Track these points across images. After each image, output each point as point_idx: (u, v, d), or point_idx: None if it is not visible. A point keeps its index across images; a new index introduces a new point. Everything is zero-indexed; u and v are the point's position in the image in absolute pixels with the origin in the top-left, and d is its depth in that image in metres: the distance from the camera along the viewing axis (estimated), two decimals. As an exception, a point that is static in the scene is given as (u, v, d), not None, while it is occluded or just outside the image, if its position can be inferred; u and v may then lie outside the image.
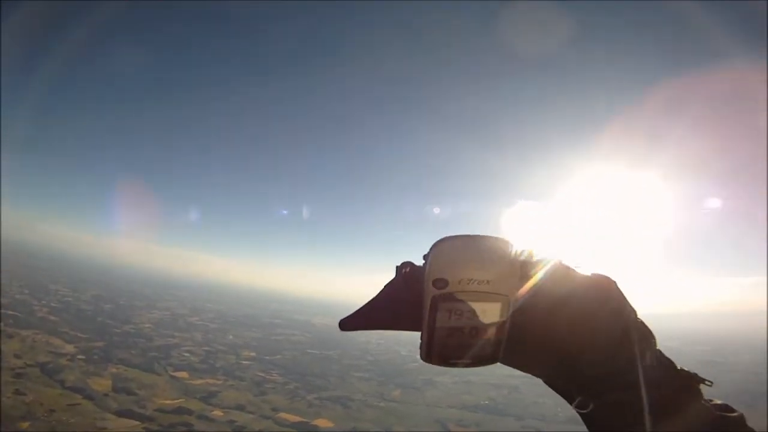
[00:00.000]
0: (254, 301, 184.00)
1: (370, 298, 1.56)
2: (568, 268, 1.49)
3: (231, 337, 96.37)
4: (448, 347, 1.40)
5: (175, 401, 57.19)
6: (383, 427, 58.65)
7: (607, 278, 1.50)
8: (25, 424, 42.34)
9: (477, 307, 1.36)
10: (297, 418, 58.46)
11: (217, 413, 56.46)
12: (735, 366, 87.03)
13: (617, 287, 1.50)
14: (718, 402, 1.47)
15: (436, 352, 1.41)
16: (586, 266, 1.52)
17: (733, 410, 1.45)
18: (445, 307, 1.35)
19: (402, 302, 1.48)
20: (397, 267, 1.53)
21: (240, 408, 59.58)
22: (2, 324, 65.60)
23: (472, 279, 1.32)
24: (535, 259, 1.45)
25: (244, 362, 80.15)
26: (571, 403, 1.48)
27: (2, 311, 71.45)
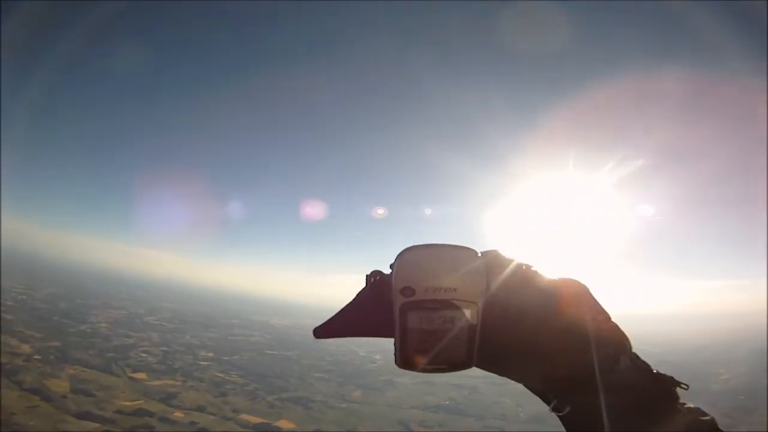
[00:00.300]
0: (211, 301, 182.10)
1: (342, 306, 1.62)
2: (537, 273, 1.56)
3: (188, 337, 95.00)
4: (421, 353, 1.46)
5: (135, 403, 56.35)
6: (346, 428, 59.12)
7: (579, 282, 1.57)
8: (-15, 428, 41.47)
9: (446, 314, 1.42)
10: (259, 420, 58.43)
11: (178, 415, 56.03)
12: (688, 366, 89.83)
13: (589, 291, 1.57)
14: (691, 406, 1.52)
15: (410, 358, 1.47)
16: (556, 271, 1.59)
17: (705, 414, 1.51)
18: (414, 314, 1.42)
19: (373, 310, 1.55)
20: (366, 276, 1.58)
21: (201, 409, 59.16)
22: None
23: (438, 287, 1.40)
24: (502, 265, 1.52)
25: (202, 363, 79.20)
26: (548, 405, 1.56)
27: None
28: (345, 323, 1.59)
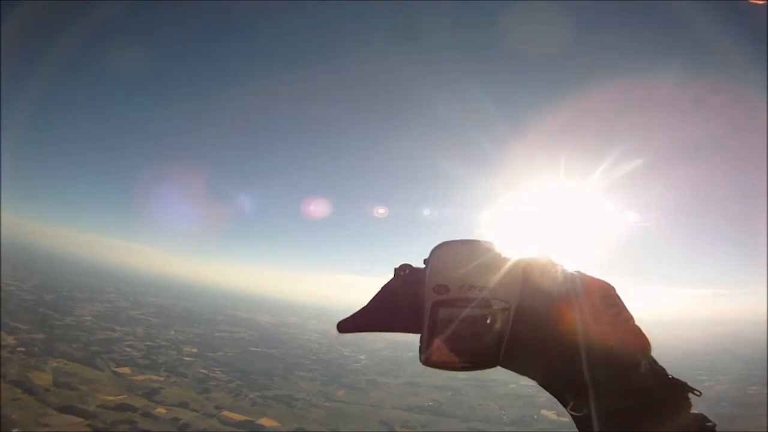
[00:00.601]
0: (196, 297, 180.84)
1: (369, 299, 1.62)
2: (568, 273, 1.57)
3: (173, 332, 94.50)
4: (448, 351, 1.48)
5: (118, 398, 56.14)
6: (329, 428, 59.11)
7: (608, 283, 1.58)
8: (-34, 420, 41.29)
9: (478, 312, 1.44)
10: (241, 417, 58.33)
11: (161, 410, 55.81)
12: (671, 372, 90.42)
13: (616, 293, 1.58)
14: (696, 412, 1.54)
15: (437, 356, 1.49)
16: (584, 271, 1.60)
17: (709, 420, 1.53)
18: (445, 312, 1.43)
19: (400, 305, 1.56)
20: (395, 269, 1.57)
21: (183, 405, 59.03)
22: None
23: (473, 285, 1.41)
24: (538, 267, 1.54)
25: (186, 358, 79.01)
26: (565, 407, 1.56)
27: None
28: (371, 318, 1.61)
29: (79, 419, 48.43)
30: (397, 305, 1.56)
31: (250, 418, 58.19)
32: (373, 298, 1.59)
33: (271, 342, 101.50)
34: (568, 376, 1.51)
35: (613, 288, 1.56)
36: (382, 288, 1.59)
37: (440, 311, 1.40)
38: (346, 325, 1.59)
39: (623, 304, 1.56)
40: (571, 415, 1.53)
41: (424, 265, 1.46)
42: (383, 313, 1.58)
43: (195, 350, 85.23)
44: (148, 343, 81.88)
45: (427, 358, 1.48)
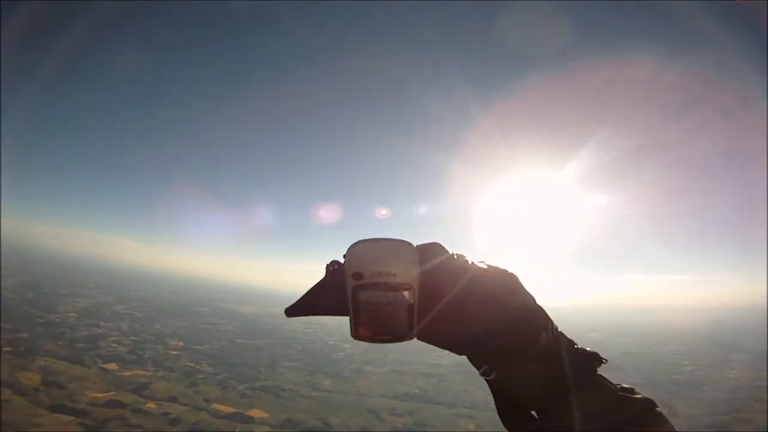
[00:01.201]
0: (178, 289, 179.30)
1: (307, 288, 1.88)
2: (467, 261, 1.81)
3: (158, 326, 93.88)
4: (370, 327, 1.75)
5: (107, 394, 55.81)
6: (317, 417, 59.35)
7: (504, 270, 1.81)
8: (-42, 424, 41.01)
9: (389, 294, 1.71)
10: (231, 409, 58.45)
11: (151, 405, 55.66)
12: (654, 356, 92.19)
13: (516, 277, 1.80)
14: (625, 386, 1.70)
15: (362, 332, 1.75)
16: (486, 260, 1.85)
17: (636, 393, 1.67)
18: (363, 294, 1.71)
19: (333, 292, 1.79)
20: (327, 265, 1.84)
21: (173, 399, 58.94)
22: None
23: (381, 272, 1.69)
24: (435, 254, 1.80)
25: (172, 352, 78.68)
26: (479, 371, 1.78)
27: None
28: (310, 303, 1.84)
29: (70, 418, 48.06)
30: (329, 292, 1.81)
31: (239, 410, 58.31)
32: (311, 288, 1.87)
33: (256, 333, 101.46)
34: (478, 346, 1.77)
35: (514, 274, 1.82)
36: (319, 281, 1.86)
37: (359, 294, 1.71)
38: (292, 310, 1.86)
39: (522, 285, 1.81)
40: (483, 378, 1.79)
41: (344, 258, 1.79)
42: (320, 299, 1.84)
43: (181, 344, 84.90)
44: (133, 338, 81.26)
45: (354, 333, 1.77)
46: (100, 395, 55.34)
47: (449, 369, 73.58)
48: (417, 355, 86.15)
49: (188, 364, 73.87)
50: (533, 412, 1.71)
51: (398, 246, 1.74)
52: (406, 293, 1.70)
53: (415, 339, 1.80)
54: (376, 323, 1.74)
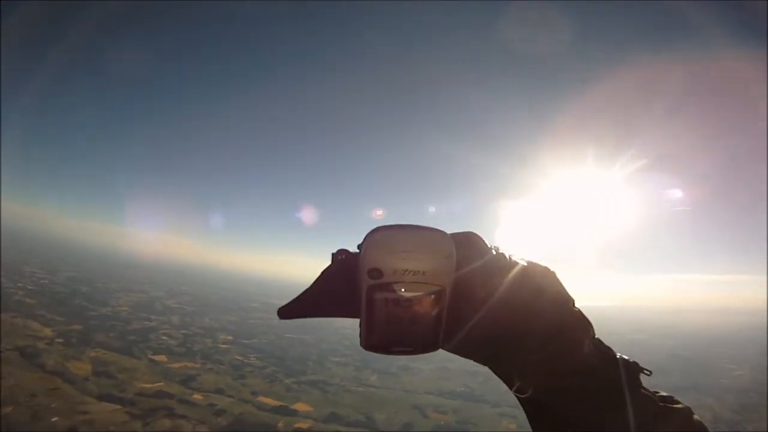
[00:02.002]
0: (229, 285, 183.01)
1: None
2: (505, 257, 1.55)
3: (208, 320, 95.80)
4: (387, 336, 1.47)
5: (155, 385, 56.84)
6: (362, 412, 59.07)
7: (546, 268, 1.57)
8: (8, 409, 41.97)
9: (413, 297, 1.41)
10: (276, 402, 58.64)
11: (197, 397, 56.38)
12: (700, 360, 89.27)
13: (556, 277, 1.57)
14: (664, 394, 1.53)
15: (376, 340, 1.48)
16: (525, 256, 1.58)
17: (678, 402, 1.52)
18: (381, 296, 1.41)
19: (338, 290, 1.53)
20: (333, 254, 1.54)
21: (219, 392, 59.53)
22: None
23: (407, 270, 1.37)
24: (472, 248, 1.51)
25: (221, 346, 79.89)
26: (510, 388, 1.58)
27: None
28: (310, 304, 1.56)
29: (117, 406, 49.00)
30: (335, 290, 1.53)
31: (284, 404, 58.48)
32: (312, 283, 1.55)
33: (304, 328, 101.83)
34: (510, 357, 1.51)
35: (553, 272, 1.55)
36: (321, 274, 1.55)
37: (376, 296, 1.40)
38: (286, 312, 1.56)
39: (563, 286, 1.55)
40: (516, 396, 1.55)
41: (359, 250, 1.42)
42: (322, 298, 1.55)
43: (230, 337, 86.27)
44: (183, 331, 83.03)
45: (366, 342, 1.48)
46: (148, 386, 56.28)
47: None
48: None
49: (237, 357, 74.67)
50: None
51: (430, 237, 1.40)
52: (434, 296, 1.42)
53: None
54: (395, 332, 1.46)
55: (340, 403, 61.43)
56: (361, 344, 1.48)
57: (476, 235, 1.53)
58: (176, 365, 65.44)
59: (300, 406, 58.65)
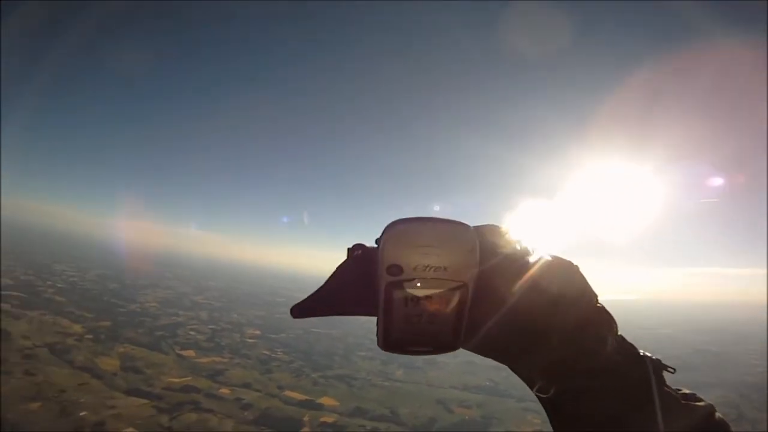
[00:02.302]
0: (256, 279, 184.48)
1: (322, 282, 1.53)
2: (528, 252, 1.48)
3: (235, 315, 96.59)
4: (405, 335, 1.40)
5: (183, 379, 57.51)
6: (387, 407, 58.97)
7: (570, 263, 1.50)
8: (36, 404, 42.67)
9: (434, 294, 1.33)
10: (303, 396, 58.79)
11: (224, 391, 56.75)
12: (728, 356, 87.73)
13: (579, 272, 1.50)
14: (686, 391, 1.47)
15: (394, 339, 1.42)
16: (549, 251, 1.51)
17: (700, 399, 1.45)
18: (400, 294, 1.33)
19: (355, 287, 1.47)
20: (348, 249, 1.47)
21: (246, 386, 59.86)
22: (9, 305, 66.20)
23: (428, 266, 1.29)
24: (495, 242, 1.44)
25: (249, 340, 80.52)
26: (532, 388, 1.50)
27: (8, 293, 71.99)
28: (325, 301, 1.50)
29: (144, 401, 49.66)
30: (351, 287, 1.47)
31: (310, 398, 58.61)
32: (327, 280, 1.50)
33: (331, 323, 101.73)
34: (533, 356, 1.46)
35: (576, 267, 1.50)
36: (336, 269, 1.50)
37: (394, 293, 1.34)
38: (301, 310, 1.50)
39: (586, 282, 1.50)
40: (537, 396, 1.48)
41: (376, 245, 1.36)
42: (338, 295, 1.50)
43: (257, 332, 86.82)
44: (211, 326, 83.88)
45: (383, 341, 1.43)
46: (176, 380, 56.89)
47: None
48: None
49: (264, 352, 75.08)
50: None
51: (453, 230, 1.33)
52: (456, 293, 1.36)
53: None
54: (415, 330, 1.41)
55: (366, 398, 61.37)
56: (378, 344, 1.44)
57: (500, 227, 1.47)
58: (204, 360, 66.05)
59: (326, 401, 58.75)
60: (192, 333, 77.21)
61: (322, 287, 1.48)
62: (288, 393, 59.50)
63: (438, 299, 1.33)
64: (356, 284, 1.44)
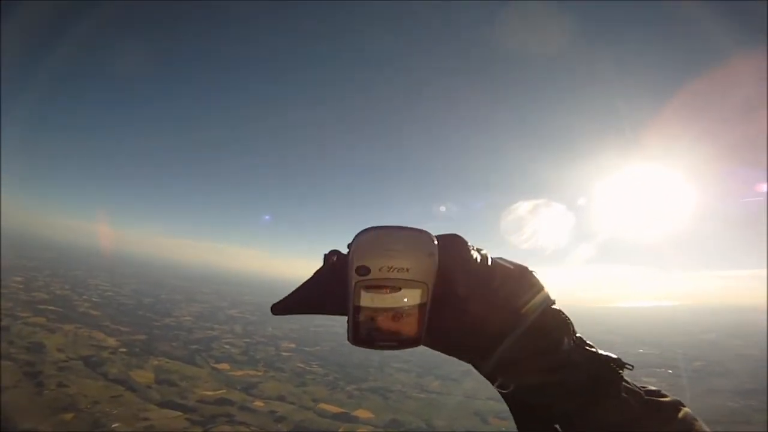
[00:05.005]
0: (287, 291, 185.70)
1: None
2: (487, 259, 1.55)
3: (270, 329, 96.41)
4: (372, 330, 1.50)
5: (217, 392, 57.30)
6: (423, 419, 58.08)
7: (525, 268, 1.58)
8: (69, 415, 42.88)
9: (397, 292, 1.45)
10: (337, 409, 58.12)
11: (259, 404, 56.36)
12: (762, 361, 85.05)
13: (534, 277, 1.56)
14: (652, 388, 1.55)
15: (362, 334, 1.52)
16: (507, 258, 1.60)
17: (664, 396, 1.52)
18: (367, 292, 1.45)
19: (329, 288, 1.55)
20: (324, 255, 1.57)
21: (281, 399, 59.33)
22: (45, 319, 67.17)
23: (392, 267, 1.42)
24: (455, 249, 1.52)
25: (284, 354, 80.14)
26: (493, 384, 1.58)
27: (45, 307, 73.43)
28: (301, 300, 1.60)
29: (178, 413, 49.51)
30: (326, 288, 1.58)
31: (345, 410, 57.84)
32: (304, 282, 1.61)
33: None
34: (491, 355, 1.54)
35: (531, 271, 1.61)
36: (313, 273, 1.61)
37: (362, 291, 1.47)
38: (279, 308, 1.63)
39: (541, 286, 1.60)
40: (499, 392, 1.61)
41: (348, 250, 1.52)
42: (314, 295, 1.62)
43: (292, 345, 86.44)
44: (246, 340, 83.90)
45: (353, 337, 1.56)
46: (210, 393, 56.75)
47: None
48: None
49: (299, 365, 74.75)
50: (557, 426, 1.59)
51: (415, 236, 1.49)
52: (417, 291, 1.50)
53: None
54: (380, 326, 1.54)
55: (401, 410, 60.46)
56: (348, 339, 1.57)
57: (459, 237, 1.56)
58: (238, 373, 65.88)
59: (361, 413, 57.99)
60: (227, 346, 77.39)
61: (299, 288, 1.60)
62: (322, 406, 58.90)
63: (401, 297, 1.47)
64: (330, 286, 1.55)
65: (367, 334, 1.50)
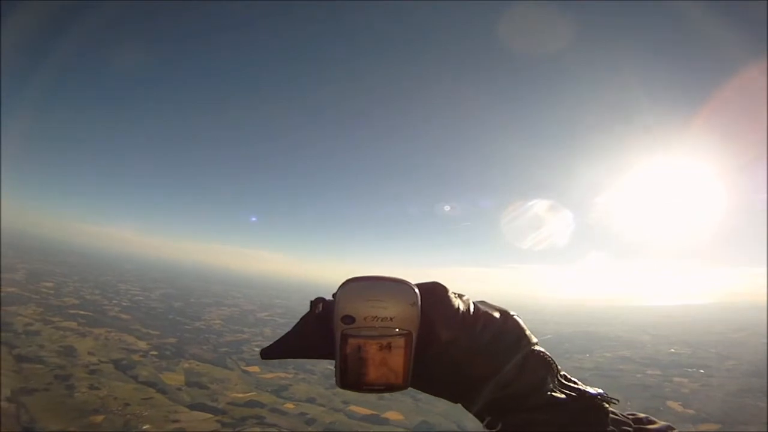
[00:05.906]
0: (318, 294, 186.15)
1: (289, 329, 1.77)
2: (468, 304, 1.65)
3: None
4: (359, 376, 1.59)
5: (247, 395, 57.27)
6: (453, 421, 57.35)
7: (506, 312, 1.66)
8: (100, 417, 43.09)
9: (382, 341, 1.55)
10: (367, 411, 57.57)
11: (289, 406, 56.05)
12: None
13: (516, 320, 1.66)
14: (641, 415, 1.65)
15: (349, 380, 1.60)
16: (487, 302, 1.70)
17: (654, 422, 1.62)
18: (353, 340, 1.55)
19: (315, 334, 1.66)
20: (311, 302, 1.68)
21: (311, 401, 58.97)
22: (76, 323, 68.16)
23: (376, 316, 1.53)
24: (437, 297, 1.61)
25: (313, 356, 79.99)
26: (482, 423, 1.64)
27: (76, 311, 74.76)
28: (290, 346, 1.73)
29: (208, 415, 49.47)
30: (312, 334, 1.68)
31: (375, 412, 57.31)
32: (293, 328, 1.75)
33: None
34: (476, 396, 1.64)
35: (512, 316, 1.69)
36: (300, 319, 1.73)
37: (348, 340, 1.57)
38: (268, 353, 1.79)
39: (523, 329, 1.68)
40: (487, 431, 1.66)
41: (333, 299, 1.61)
42: (301, 341, 1.73)
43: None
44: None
45: (341, 382, 1.64)
46: (240, 395, 56.67)
47: (591, 373, 69.51)
48: (558, 357, 79.65)
49: (328, 367, 71.32)
50: None
51: (397, 287, 1.59)
52: (402, 340, 1.60)
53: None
54: (367, 372, 1.63)
55: (432, 412, 59.66)
56: (336, 383, 1.64)
57: (440, 284, 1.65)
58: (269, 376, 65.69)
59: (391, 415, 57.37)
60: (257, 349, 76.13)
61: (287, 334, 1.73)
62: (353, 408, 58.39)
63: (386, 345, 1.56)
64: (316, 332, 1.65)
65: (356, 379, 1.59)
